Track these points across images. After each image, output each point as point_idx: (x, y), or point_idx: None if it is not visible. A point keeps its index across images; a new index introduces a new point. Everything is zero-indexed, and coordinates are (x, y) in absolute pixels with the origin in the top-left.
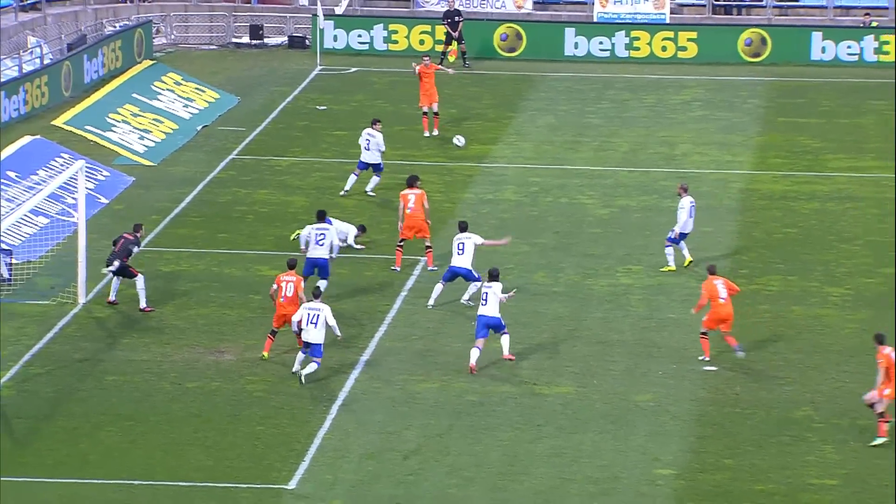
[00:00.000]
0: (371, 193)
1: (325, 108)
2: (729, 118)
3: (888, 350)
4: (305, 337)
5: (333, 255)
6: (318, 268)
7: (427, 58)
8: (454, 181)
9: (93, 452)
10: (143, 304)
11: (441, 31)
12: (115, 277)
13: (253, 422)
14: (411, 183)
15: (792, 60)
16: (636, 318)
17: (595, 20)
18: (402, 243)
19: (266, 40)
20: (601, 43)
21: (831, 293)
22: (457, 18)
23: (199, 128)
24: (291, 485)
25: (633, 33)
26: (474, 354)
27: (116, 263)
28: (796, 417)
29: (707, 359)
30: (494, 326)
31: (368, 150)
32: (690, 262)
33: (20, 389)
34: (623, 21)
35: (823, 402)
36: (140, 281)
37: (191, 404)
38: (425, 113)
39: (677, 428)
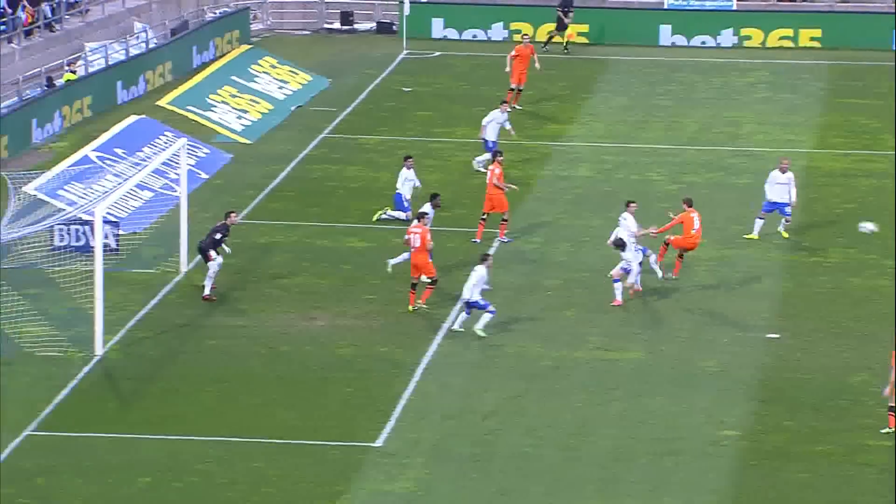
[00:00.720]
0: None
1: (410, 90)
2: (791, 99)
3: None
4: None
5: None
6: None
7: (526, 36)
8: (531, 159)
9: (192, 411)
10: (206, 292)
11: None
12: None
13: (342, 384)
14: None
15: (851, 45)
16: (702, 288)
17: (665, 7)
18: (484, 217)
19: (356, 26)
20: (671, 28)
21: (888, 265)
22: (571, 6)
23: (292, 108)
24: (378, 443)
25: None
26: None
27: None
28: (853, 383)
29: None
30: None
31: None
32: (755, 237)
33: (126, 352)
34: (692, 8)
35: (879, 368)
36: (213, 267)
37: (283, 367)
38: (511, 89)
39: (741, 392)
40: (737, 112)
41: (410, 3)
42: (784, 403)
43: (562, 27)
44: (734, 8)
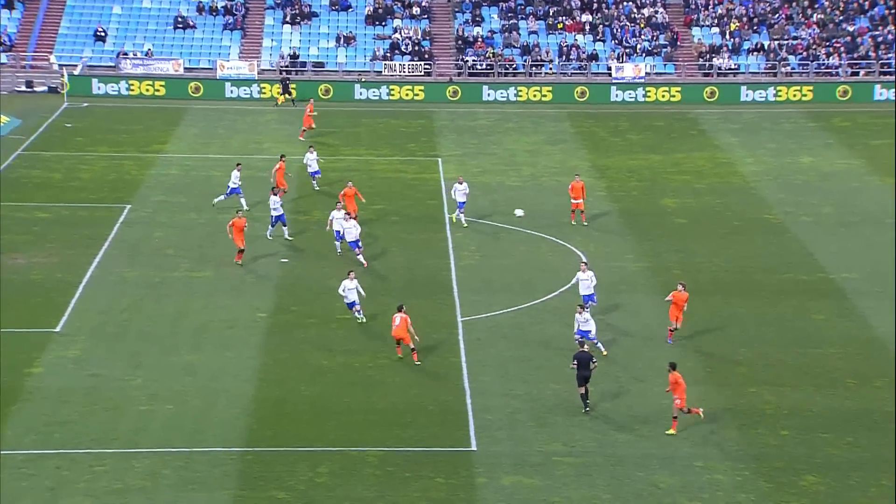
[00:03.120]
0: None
1: (71, 125)
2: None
3: None
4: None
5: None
6: None
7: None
8: (144, 166)
9: None
10: None
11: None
12: None
13: (32, 298)
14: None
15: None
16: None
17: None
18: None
19: (35, 88)
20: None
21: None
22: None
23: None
24: (57, 329)
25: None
26: None
27: None
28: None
29: None
30: None
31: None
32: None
33: None
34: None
35: None
36: None
37: None
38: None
39: (268, 288)
40: (260, 136)
41: (69, 74)
42: (290, 297)
43: (286, 91)
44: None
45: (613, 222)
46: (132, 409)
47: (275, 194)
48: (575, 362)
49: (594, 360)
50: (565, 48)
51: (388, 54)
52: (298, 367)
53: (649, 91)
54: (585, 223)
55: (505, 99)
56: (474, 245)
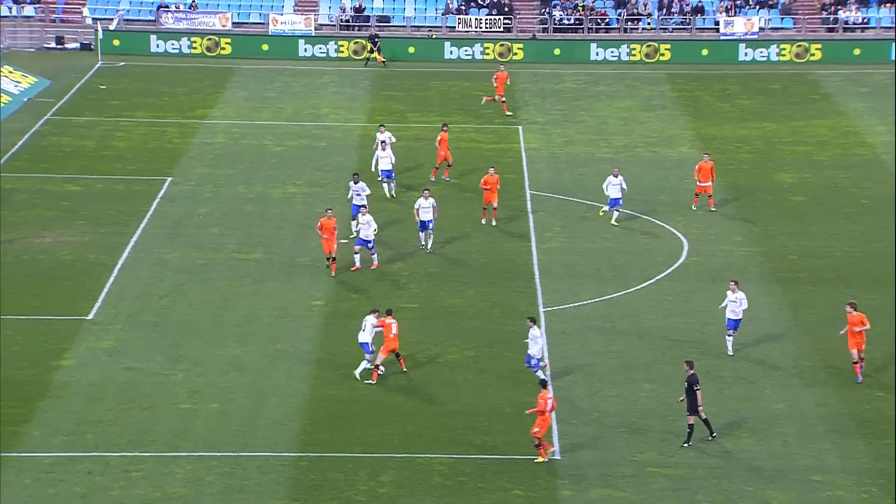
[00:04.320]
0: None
1: (105, 87)
2: (351, 92)
3: None
4: None
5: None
6: None
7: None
8: (186, 132)
9: None
10: None
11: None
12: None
13: (65, 279)
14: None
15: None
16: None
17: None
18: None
19: (66, 45)
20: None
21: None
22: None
23: (25, 99)
24: (90, 316)
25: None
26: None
27: None
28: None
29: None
30: None
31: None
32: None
33: None
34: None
35: None
36: None
37: (27, 269)
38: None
39: (321, 275)
40: (318, 100)
41: (102, 30)
42: (349, 283)
43: (375, 49)
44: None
45: (719, 200)
46: (172, 408)
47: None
48: (688, 386)
49: (697, 385)
50: (666, 1)
51: (463, 7)
52: (358, 363)
53: (763, 49)
54: (714, 209)
55: (596, 58)
56: (559, 226)
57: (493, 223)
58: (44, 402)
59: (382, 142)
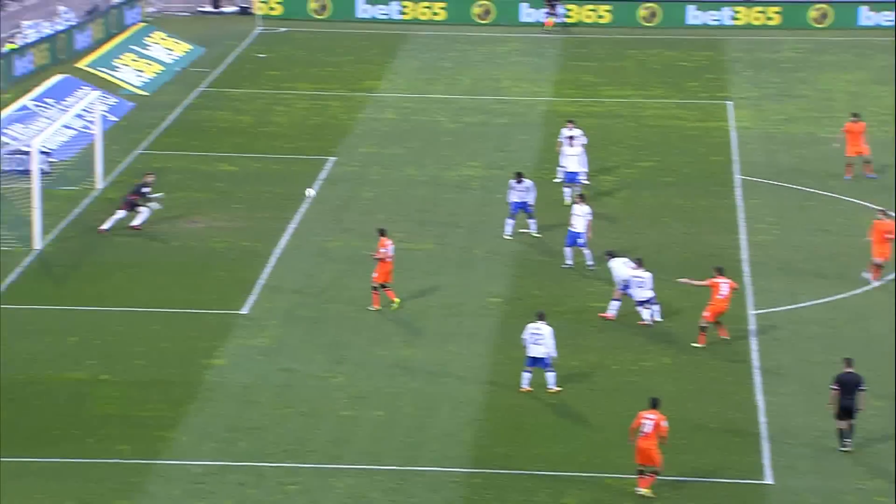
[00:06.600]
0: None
1: (263, 56)
2: (536, 62)
3: None
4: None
5: None
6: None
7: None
8: (352, 106)
9: (108, 289)
10: (105, 227)
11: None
12: (120, 211)
13: (217, 269)
14: None
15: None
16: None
17: None
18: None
19: (223, 9)
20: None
21: None
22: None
23: (177, 69)
24: (244, 310)
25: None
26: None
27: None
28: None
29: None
30: None
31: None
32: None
33: (58, 247)
34: None
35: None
36: (144, 214)
37: (175, 256)
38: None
39: (502, 269)
40: (498, 71)
41: None
42: (532, 278)
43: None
44: None
45: None
46: (332, 415)
47: None
48: (837, 386)
49: (862, 384)
50: None
51: None
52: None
53: None
54: (874, 174)
55: (820, 24)
56: (773, 216)
57: (871, 175)
58: (193, 404)
59: (570, 137)
